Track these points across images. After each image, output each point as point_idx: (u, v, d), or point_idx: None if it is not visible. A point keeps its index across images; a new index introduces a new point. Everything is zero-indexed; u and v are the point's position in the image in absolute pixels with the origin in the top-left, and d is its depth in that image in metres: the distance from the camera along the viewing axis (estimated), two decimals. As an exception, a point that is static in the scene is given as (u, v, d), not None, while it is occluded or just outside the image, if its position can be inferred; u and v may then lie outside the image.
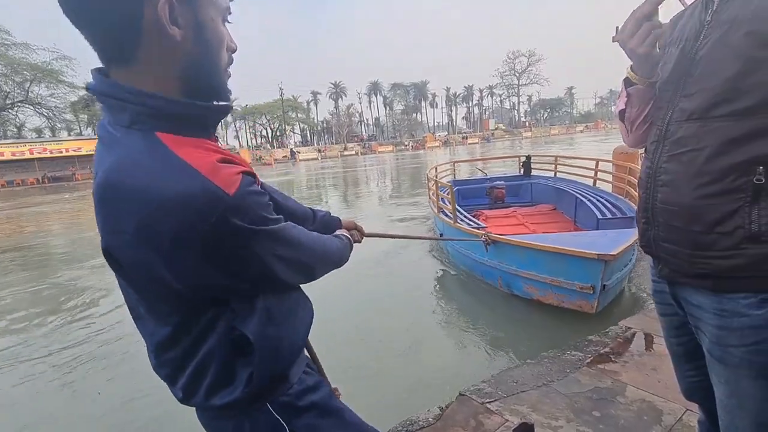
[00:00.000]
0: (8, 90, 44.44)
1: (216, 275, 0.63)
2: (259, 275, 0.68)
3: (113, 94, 0.61)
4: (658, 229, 0.94)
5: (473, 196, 7.51)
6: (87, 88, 0.64)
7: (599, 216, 4.68)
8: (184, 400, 0.73)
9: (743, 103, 0.76)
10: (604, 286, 3.22)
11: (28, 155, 37.62)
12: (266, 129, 76.08)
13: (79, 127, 51.66)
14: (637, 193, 1.07)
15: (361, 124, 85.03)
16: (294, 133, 77.18)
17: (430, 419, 2.05)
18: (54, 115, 47.97)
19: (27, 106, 45.88)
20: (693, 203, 0.84)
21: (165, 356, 0.71)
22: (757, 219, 0.77)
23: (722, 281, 0.84)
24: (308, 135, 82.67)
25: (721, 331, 0.86)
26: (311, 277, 0.82)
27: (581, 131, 69.61)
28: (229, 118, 71.62)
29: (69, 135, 48.53)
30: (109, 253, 0.63)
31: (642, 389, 2.17)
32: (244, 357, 0.70)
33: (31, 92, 45.03)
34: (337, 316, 4.03)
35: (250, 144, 73.27)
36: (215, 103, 0.70)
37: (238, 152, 50.70)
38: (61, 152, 39.15)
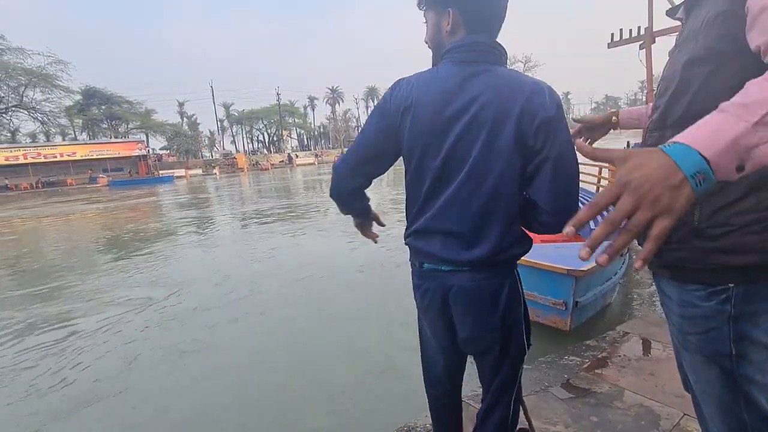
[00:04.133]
0: (2, 95, 44.16)
1: None
2: None
3: (495, 48, 1.09)
4: None
5: None
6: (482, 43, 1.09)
7: (593, 226, 4.66)
8: (492, 254, 1.08)
9: (679, 114, 0.88)
10: (577, 302, 3.09)
11: (22, 160, 37.43)
12: (263, 134, 76.06)
13: (74, 132, 51.42)
14: None
15: (358, 129, 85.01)
16: (291, 137, 77.15)
17: (428, 425, 2.03)
18: (49, 119, 47.53)
19: (21, 110, 45.50)
20: None
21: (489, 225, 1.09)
22: (698, 217, 0.85)
23: (678, 271, 0.92)
24: (305, 140, 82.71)
25: (682, 320, 0.94)
26: None
27: (577, 136, 69.72)
28: (225, 123, 71.85)
29: (63, 140, 48.28)
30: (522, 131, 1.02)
31: (639, 394, 2.16)
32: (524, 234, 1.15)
33: (26, 97, 44.69)
34: (317, 325, 4.03)
35: (246, 149, 73.23)
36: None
37: (234, 157, 50.65)
38: (56, 157, 38.96)
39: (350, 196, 1.26)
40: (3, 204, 24.63)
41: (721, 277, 0.84)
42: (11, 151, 37.85)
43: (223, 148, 64.28)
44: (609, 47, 6.01)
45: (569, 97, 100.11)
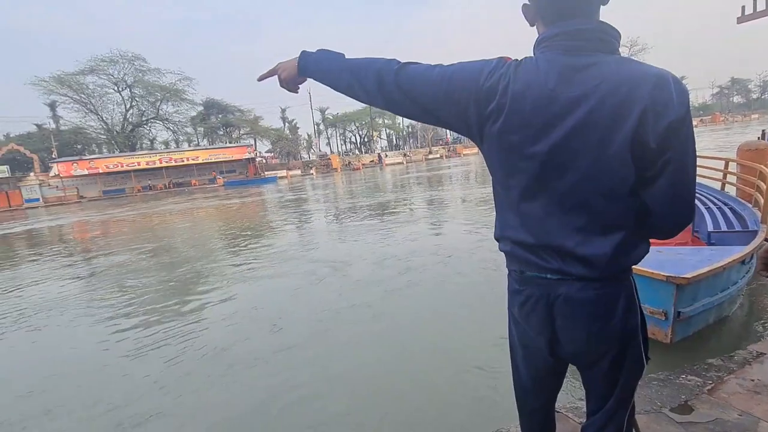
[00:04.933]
0: (144, 109, 52.62)
1: None
2: None
3: (604, 32, 0.95)
4: None
5: None
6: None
7: (710, 228, 4.08)
8: (605, 265, 0.98)
9: None
10: (680, 313, 2.77)
11: (158, 164, 43.92)
12: (355, 135, 79.40)
13: (197, 139, 59.07)
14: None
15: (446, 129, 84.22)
16: (381, 138, 79.37)
17: None
18: (178, 128, 55.62)
19: (157, 121, 53.84)
20: None
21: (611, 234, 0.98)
22: None
23: None
24: (394, 140, 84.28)
25: None
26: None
27: (695, 125, 61.76)
28: (321, 126, 76.46)
29: (189, 146, 55.74)
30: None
31: (780, 426, 1.87)
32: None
33: (161, 110, 52.78)
34: (416, 322, 4.11)
35: (340, 150, 77.06)
36: None
37: (328, 158, 53.67)
38: (183, 161, 45.01)
39: (357, 88, 1.11)
40: (156, 200, 29.58)
41: None
42: (150, 157, 44.65)
43: (319, 150, 68.36)
44: (739, 22, 5.14)
45: (685, 81, 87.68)
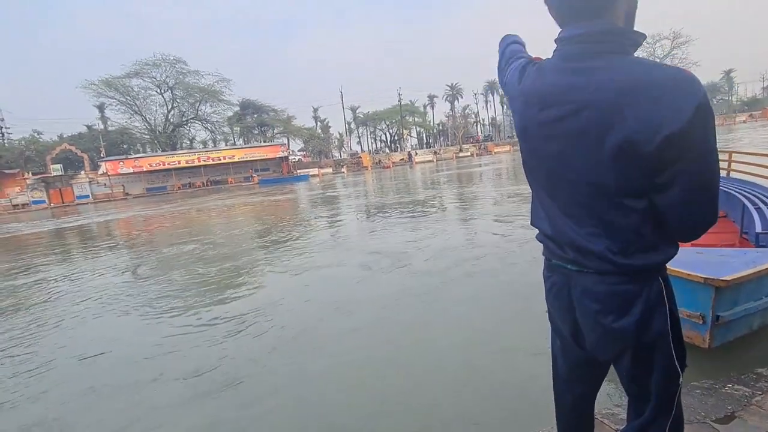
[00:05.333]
0: (184, 110, 54.87)
1: None
2: None
3: (612, 34, 0.93)
4: None
5: None
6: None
7: (759, 229, 3.85)
8: (620, 256, 0.98)
9: None
10: (718, 317, 2.62)
11: (196, 162, 45.71)
12: (385, 134, 79.59)
13: (233, 138, 61.02)
14: None
15: (477, 125, 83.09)
16: (411, 136, 79.25)
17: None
18: (215, 128, 57.68)
19: (196, 122, 56.01)
20: None
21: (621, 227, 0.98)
22: None
23: None
24: (424, 137, 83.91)
25: None
26: None
27: (744, 121, 58.01)
28: (352, 125, 77.15)
29: (225, 145, 57.65)
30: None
31: (837, 443, 1.78)
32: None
33: (200, 110, 54.89)
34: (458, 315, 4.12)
35: (370, 148, 77.52)
36: None
37: (359, 156, 54.15)
38: (220, 160, 46.61)
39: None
40: (198, 197, 30.85)
41: None
42: (190, 156, 46.53)
43: (350, 149, 69.02)
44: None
45: (732, 75, 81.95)
